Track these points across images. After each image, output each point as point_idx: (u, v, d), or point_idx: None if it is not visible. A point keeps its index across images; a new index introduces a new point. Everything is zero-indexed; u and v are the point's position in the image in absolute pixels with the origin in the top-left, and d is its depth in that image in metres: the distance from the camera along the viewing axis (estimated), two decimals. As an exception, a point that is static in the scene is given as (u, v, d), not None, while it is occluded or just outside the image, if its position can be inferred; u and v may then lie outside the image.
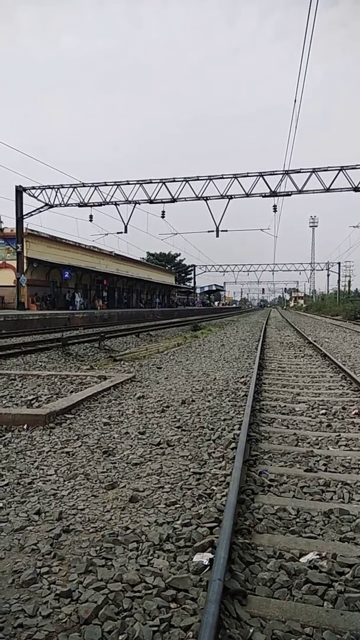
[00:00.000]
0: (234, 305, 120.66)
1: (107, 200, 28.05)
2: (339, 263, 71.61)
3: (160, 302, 58.34)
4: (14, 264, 30.06)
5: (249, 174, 26.09)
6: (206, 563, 2.31)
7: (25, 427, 4.82)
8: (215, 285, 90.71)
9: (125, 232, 29.46)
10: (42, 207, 29.22)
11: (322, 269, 78.01)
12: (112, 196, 27.96)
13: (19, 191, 28.74)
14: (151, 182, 27.09)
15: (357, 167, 24.36)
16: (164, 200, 27.32)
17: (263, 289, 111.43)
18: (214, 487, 3.33)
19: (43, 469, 3.72)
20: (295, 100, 18.10)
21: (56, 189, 28.50)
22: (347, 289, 70.67)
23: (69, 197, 28.43)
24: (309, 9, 11.38)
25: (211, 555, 2.35)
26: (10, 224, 31.45)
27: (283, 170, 25.52)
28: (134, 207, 28.08)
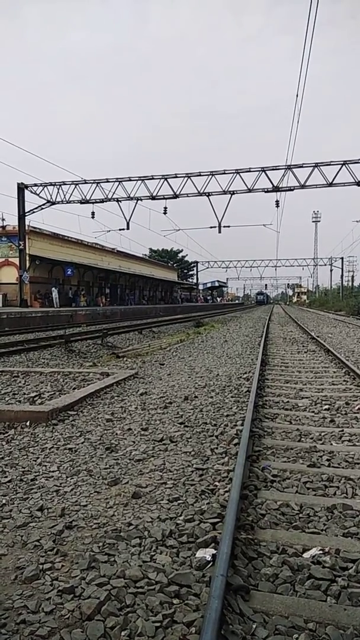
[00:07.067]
0: (237, 302, 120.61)
1: (109, 196, 28.01)
2: (342, 258, 71.45)
3: (133, 297, 48.98)
4: (16, 261, 30.07)
5: (251, 169, 25.99)
6: (209, 559, 2.31)
7: (28, 424, 4.83)
8: (217, 281, 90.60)
9: (128, 228, 29.45)
10: (44, 204, 29.22)
11: (325, 264, 77.87)
12: (113, 193, 27.95)
13: (21, 188, 28.74)
14: (153, 178, 27.03)
15: (360, 161, 24.24)
16: (166, 197, 27.25)
17: (266, 285, 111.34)
18: (217, 483, 3.33)
19: (46, 466, 3.72)
20: (297, 95, 18.01)
21: (58, 186, 28.51)
22: (350, 284, 70.47)
23: (71, 194, 28.48)
24: (310, 1, 11.37)
25: (214, 551, 2.35)
26: (12, 222, 31.50)
27: (285, 165, 25.42)
28: (136, 203, 28.07)
